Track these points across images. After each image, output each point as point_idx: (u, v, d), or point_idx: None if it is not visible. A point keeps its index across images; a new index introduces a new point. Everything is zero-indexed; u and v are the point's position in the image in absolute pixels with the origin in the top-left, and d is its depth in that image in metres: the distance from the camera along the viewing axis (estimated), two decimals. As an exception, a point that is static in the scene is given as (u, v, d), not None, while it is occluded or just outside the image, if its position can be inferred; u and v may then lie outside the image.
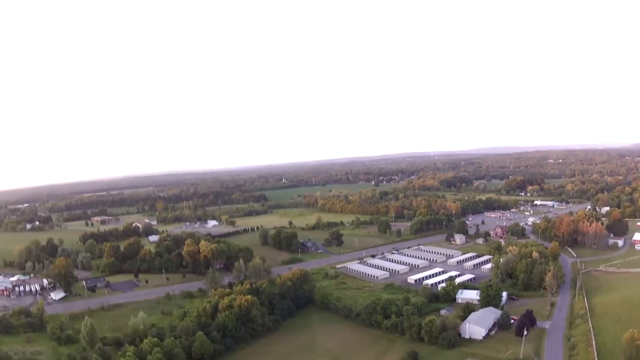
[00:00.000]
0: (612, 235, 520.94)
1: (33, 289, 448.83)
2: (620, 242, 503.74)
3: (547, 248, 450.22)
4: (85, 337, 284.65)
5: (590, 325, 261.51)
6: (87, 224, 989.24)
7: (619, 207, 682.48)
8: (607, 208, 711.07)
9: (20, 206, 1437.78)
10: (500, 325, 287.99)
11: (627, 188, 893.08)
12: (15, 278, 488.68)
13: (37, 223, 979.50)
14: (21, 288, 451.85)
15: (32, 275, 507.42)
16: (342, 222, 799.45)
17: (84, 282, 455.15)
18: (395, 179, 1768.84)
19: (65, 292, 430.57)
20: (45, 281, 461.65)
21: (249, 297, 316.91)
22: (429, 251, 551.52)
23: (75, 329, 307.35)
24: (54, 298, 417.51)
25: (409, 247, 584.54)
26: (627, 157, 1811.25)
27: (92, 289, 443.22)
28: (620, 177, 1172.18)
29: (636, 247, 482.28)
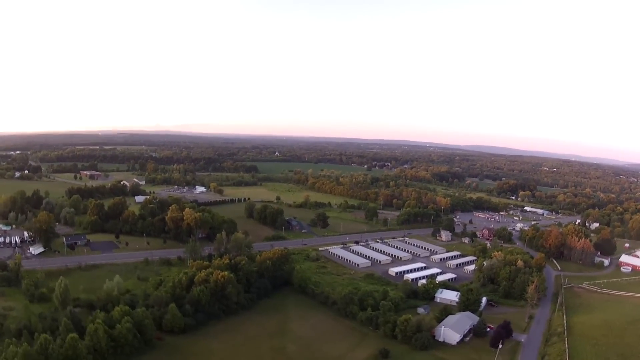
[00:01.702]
0: (599, 253, 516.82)
1: (13, 241, 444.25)
2: (606, 262, 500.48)
3: (532, 257, 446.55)
4: (58, 297, 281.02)
5: (567, 345, 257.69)
6: (75, 178, 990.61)
7: (608, 225, 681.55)
8: (597, 224, 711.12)
9: (12, 153, 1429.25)
10: (476, 332, 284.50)
11: (618, 207, 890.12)
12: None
13: (26, 172, 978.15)
14: (1, 239, 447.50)
15: (14, 226, 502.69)
16: (330, 204, 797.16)
17: (64, 239, 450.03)
18: (388, 165, 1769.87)
19: (44, 247, 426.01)
20: (25, 234, 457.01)
21: (226, 273, 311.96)
22: (414, 244, 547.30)
23: (49, 287, 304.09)
24: (32, 252, 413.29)
25: (393, 238, 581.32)
26: (622, 176, 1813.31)
27: (72, 247, 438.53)
28: (613, 195, 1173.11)
29: (622, 268, 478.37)
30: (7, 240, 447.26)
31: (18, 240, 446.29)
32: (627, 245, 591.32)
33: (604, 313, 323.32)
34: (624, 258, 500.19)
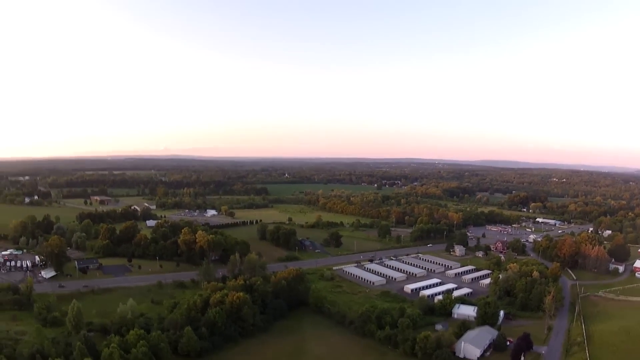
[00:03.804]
0: (613, 260, 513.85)
1: (24, 265, 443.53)
2: (621, 268, 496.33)
3: (547, 268, 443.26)
4: (71, 321, 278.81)
5: (587, 354, 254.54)
6: (85, 203, 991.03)
7: (621, 232, 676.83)
8: (609, 232, 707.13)
9: (21, 178, 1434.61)
10: (496, 346, 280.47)
11: (630, 213, 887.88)
12: (7, 252, 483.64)
13: (35, 197, 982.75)
14: (12, 263, 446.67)
15: (25, 250, 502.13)
16: (342, 223, 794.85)
17: (76, 263, 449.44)
18: (398, 183, 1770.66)
19: (56, 271, 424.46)
20: (37, 258, 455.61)
21: (242, 294, 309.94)
22: (428, 260, 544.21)
23: (62, 310, 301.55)
24: (44, 276, 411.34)
25: (407, 254, 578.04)
26: (631, 183, 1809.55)
27: (84, 270, 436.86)
28: (624, 202, 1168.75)
29: (637, 274, 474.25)
30: (18, 264, 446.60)
31: (29, 264, 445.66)
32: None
33: (622, 320, 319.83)
34: (638, 264, 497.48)
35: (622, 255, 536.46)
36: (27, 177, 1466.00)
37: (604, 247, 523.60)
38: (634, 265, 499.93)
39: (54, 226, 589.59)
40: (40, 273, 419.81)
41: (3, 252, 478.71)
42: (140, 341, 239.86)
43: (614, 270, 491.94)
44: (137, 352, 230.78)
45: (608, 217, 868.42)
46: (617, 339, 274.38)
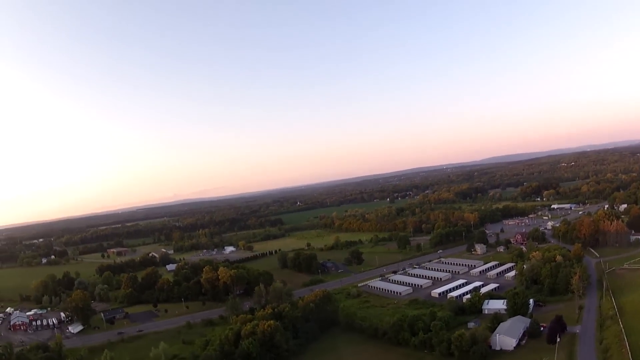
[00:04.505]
0: (633, 232, 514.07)
1: (50, 323, 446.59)
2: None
3: (569, 251, 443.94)
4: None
5: (621, 325, 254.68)
6: (103, 256, 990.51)
7: (636, 204, 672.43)
8: (625, 205, 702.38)
9: (35, 241, 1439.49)
10: (530, 333, 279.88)
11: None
12: (32, 312, 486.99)
13: (52, 257, 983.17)
14: (38, 322, 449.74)
15: (49, 309, 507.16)
16: (360, 241, 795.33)
17: (102, 314, 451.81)
18: (410, 194, 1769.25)
19: (83, 325, 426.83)
20: (62, 314, 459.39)
21: (272, 322, 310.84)
22: (451, 263, 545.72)
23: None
24: (72, 331, 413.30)
25: (430, 261, 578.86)
26: (639, 154, 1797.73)
27: (111, 321, 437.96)
28: (635, 174, 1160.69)
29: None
30: (44, 322, 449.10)
31: (55, 321, 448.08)
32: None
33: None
34: None
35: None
36: (41, 240, 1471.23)
37: (622, 221, 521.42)
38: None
39: (75, 282, 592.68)
40: (68, 329, 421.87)
41: (28, 313, 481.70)
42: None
43: (635, 241, 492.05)
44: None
45: (621, 191, 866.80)
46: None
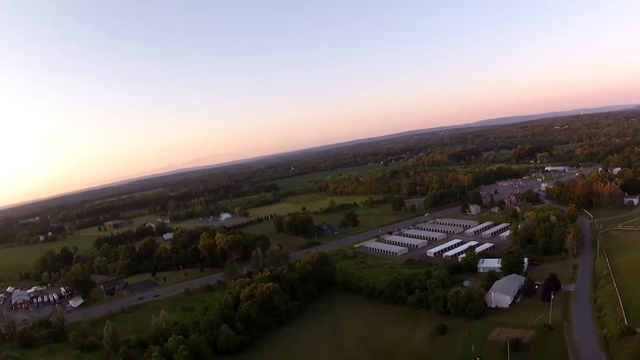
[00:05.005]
0: (626, 194, 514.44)
1: (51, 299, 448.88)
2: (635, 201, 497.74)
3: (563, 211, 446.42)
4: (108, 342, 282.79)
5: (615, 285, 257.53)
6: (100, 230, 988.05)
7: (630, 167, 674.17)
8: (619, 169, 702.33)
9: (31, 220, 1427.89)
10: (525, 291, 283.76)
11: (636, 148, 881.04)
12: (32, 290, 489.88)
13: (49, 234, 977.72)
14: (39, 299, 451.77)
15: (49, 285, 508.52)
16: (355, 204, 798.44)
17: (102, 286, 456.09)
18: (403, 157, 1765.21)
19: (83, 298, 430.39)
20: (62, 290, 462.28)
21: (270, 284, 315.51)
22: (446, 223, 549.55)
23: (97, 334, 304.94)
24: (73, 305, 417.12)
25: (425, 222, 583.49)
26: (632, 119, 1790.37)
27: (111, 292, 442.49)
28: (628, 139, 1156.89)
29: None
30: (45, 299, 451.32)
31: (56, 297, 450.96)
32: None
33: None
34: None
35: (634, 188, 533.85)
36: (37, 218, 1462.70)
37: (616, 183, 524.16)
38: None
39: (74, 256, 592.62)
40: (69, 303, 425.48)
41: (28, 291, 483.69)
42: (180, 346, 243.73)
43: (628, 203, 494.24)
44: (180, 356, 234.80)
45: (615, 155, 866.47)
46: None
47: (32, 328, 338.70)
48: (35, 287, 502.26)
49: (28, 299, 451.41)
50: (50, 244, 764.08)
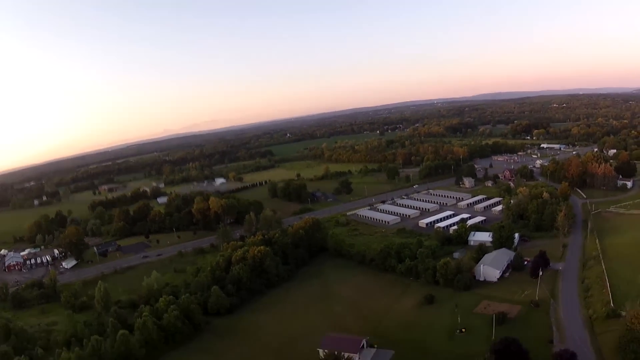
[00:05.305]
0: (620, 176, 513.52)
1: (44, 261, 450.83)
2: (629, 184, 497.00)
3: (556, 189, 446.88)
4: (99, 302, 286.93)
5: (604, 267, 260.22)
6: (94, 194, 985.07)
7: (625, 150, 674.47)
8: (615, 150, 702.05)
9: (26, 185, 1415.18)
10: (514, 266, 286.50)
11: (632, 131, 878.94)
12: (26, 252, 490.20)
13: (44, 198, 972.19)
14: (32, 261, 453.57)
15: (42, 247, 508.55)
16: (350, 172, 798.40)
17: (95, 248, 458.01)
18: (400, 127, 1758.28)
19: (76, 259, 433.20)
20: (56, 251, 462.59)
21: (262, 247, 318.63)
22: (439, 195, 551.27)
23: (89, 295, 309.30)
24: (65, 267, 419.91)
25: (418, 192, 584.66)
26: (631, 102, 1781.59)
27: (104, 254, 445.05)
28: (626, 121, 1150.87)
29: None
30: (39, 260, 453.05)
31: (49, 258, 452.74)
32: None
33: (635, 232, 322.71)
34: None
35: (628, 171, 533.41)
36: (32, 183, 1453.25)
37: (610, 165, 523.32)
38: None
39: (68, 219, 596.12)
40: (62, 265, 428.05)
41: (22, 253, 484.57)
42: (171, 306, 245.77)
43: (622, 186, 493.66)
44: (170, 316, 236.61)
45: (611, 136, 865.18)
46: (631, 251, 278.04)
47: (25, 289, 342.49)
48: (29, 249, 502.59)
49: (21, 260, 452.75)
50: (45, 208, 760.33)
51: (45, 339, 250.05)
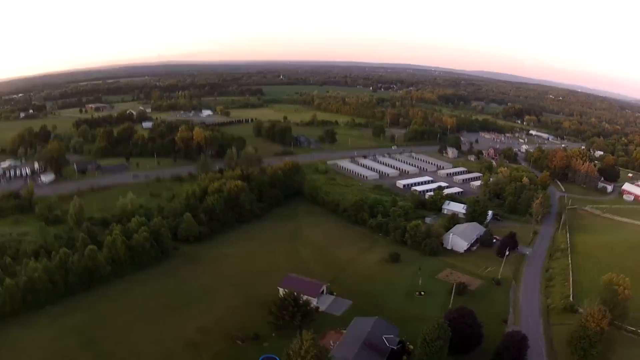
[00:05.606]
0: (602, 179, 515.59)
1: (24, 173, 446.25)
2: (609, 188, 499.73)
3: (537, 177, 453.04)
4: (72, 217, 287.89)
5: (570, 261, 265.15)
6: (81, 112, 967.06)
7: (612, 154, 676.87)
8: (601, 153, 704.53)
9: (14, 96, 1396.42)
10: (483, 242, 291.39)
11: (623, 138, 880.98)
12: (6, 164, 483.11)
13: (31, 111, 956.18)
14: (11, 172, 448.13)
15: (23, 160, 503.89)
16: (337, 122, 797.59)
17: (74, 165, 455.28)
18: (393, 87, 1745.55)
19: (55, 175, 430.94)
20: (36, 165, 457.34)
21: (239, 182, 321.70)
22: (421, 159, 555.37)
23: (63, 209, 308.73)
24: (44, 181, 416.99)
25: (401, 153, 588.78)
26: (627, 110, 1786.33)
27: (83, 172, 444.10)
28: (618, 127, 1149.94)
29: (624, 196, 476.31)
30: (18, 173, 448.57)
31: (29, 171, 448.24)
32: (630, 175, 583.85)
33: (606, 235, 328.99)
34: (627, 186, 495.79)
35: (611, 175, 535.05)
36: (20, 95, 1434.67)
37: (595, 165, 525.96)
38: (623, 187, 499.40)
39: (52, 135, 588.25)
40: (40, 178, 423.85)
41: (2, 164, 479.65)
42: (142, 227, 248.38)
43: (602, 188, 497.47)
44: (139, 237, 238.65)
45: (601, 138, 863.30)
46: (599, 252, 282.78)
47: (1, 199, 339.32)
48: (9, 161, 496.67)
49: (1, 172, 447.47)
50: (30, 121, 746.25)
51: (14, 248, 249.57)
